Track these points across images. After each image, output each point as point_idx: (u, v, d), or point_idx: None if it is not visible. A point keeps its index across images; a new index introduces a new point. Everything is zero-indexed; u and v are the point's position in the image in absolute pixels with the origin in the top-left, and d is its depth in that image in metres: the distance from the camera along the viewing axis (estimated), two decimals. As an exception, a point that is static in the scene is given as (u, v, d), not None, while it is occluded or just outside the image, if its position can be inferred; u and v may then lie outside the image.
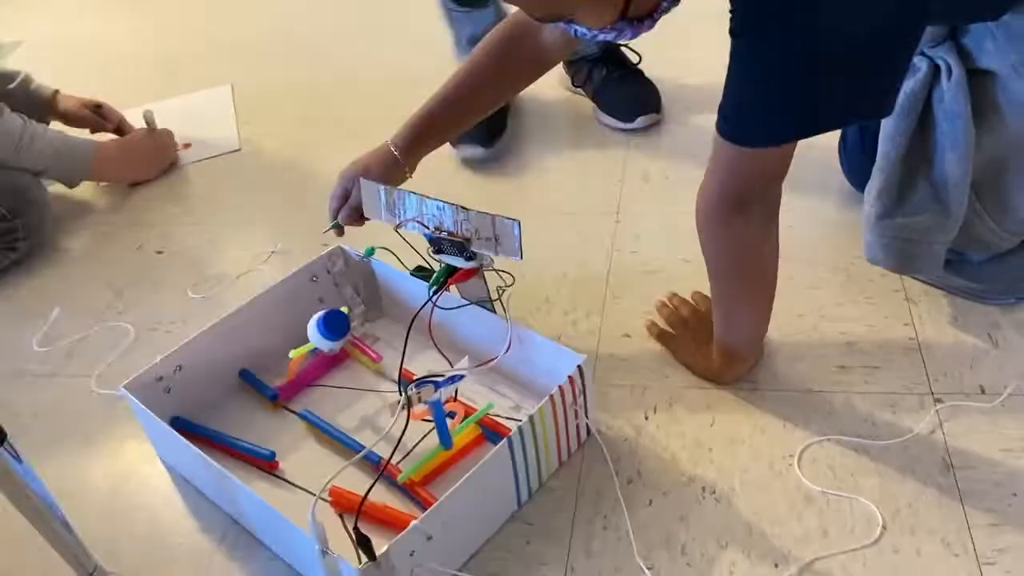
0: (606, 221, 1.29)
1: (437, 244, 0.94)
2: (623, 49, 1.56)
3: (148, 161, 1.56)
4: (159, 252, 1.37)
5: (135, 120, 1.59)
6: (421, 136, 1.06)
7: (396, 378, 1.01)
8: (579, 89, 1.58)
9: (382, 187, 0.99)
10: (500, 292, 0.95)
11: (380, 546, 0.74)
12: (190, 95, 1.84)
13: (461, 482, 0.79)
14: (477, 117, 1.12)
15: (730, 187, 0.84)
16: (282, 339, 1.06)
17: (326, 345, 0.99)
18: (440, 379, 0.83)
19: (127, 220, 1.47)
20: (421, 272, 1.08)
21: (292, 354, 1.02)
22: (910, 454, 0.90)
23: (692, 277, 1.13)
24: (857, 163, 1.19)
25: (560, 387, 0.86)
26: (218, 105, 1.78)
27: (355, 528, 0.72)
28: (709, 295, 1.05)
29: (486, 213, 0.88)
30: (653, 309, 1.11)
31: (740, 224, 0.86)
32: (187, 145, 1.63)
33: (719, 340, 0.97)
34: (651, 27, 0.81)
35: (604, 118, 1.52)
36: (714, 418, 0.97)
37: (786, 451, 0.92)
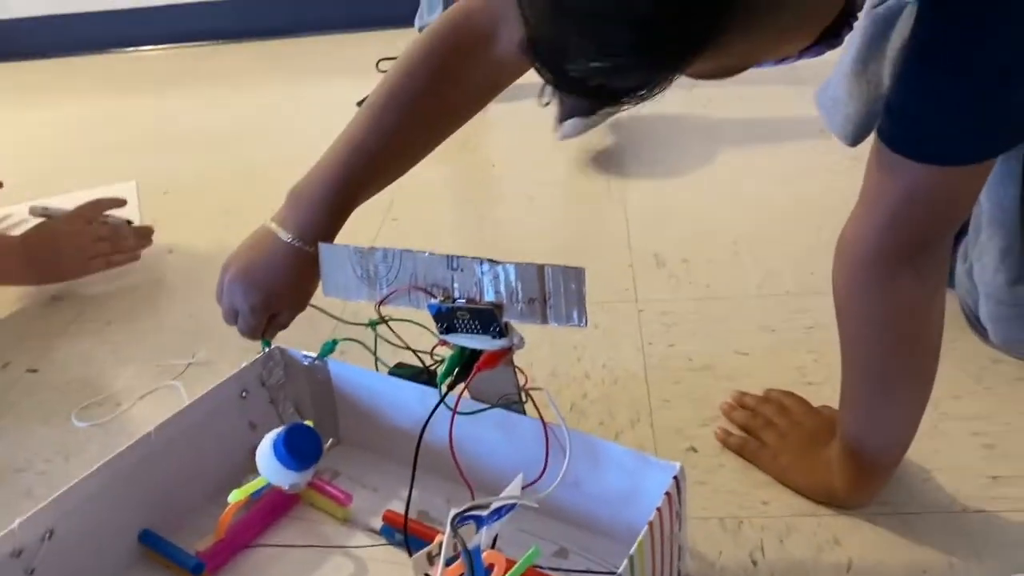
0: (626, 310, 1.03)
1: (447, 319, 0.65)
2: None
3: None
4: (32, 371, 1.04)
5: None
6: (340, 209, 0.75)
7: (376, 526, 0.71)
8: None
9: (352, 248, 0.70)
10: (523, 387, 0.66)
11: None
12: (90, 190, 1.55)
13: None
14: (402, 171, 0.79)
15: (905, 227, 0.61)
16: (200, 483, 0.76)
17: (288, 479, 0.67)
18: (483, 512, 0.52)
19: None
20: (402, 371, 0.78)
21: (233, 496, 0.69)
22: None
23: (755, 373, 0.90)
24: None
25: (658, 509, 0.56)
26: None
27: None
28: (789, 391, 0.83)
29: (530, 264, 0.60)
30: (719, 414, 0.84)
31: (910, 279, 0.63)
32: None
33: (852, 447, 0.70)
34: (848, 33, 0.58)
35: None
36: (850, 559, 0.68)
37: (969, 600, 0.64)
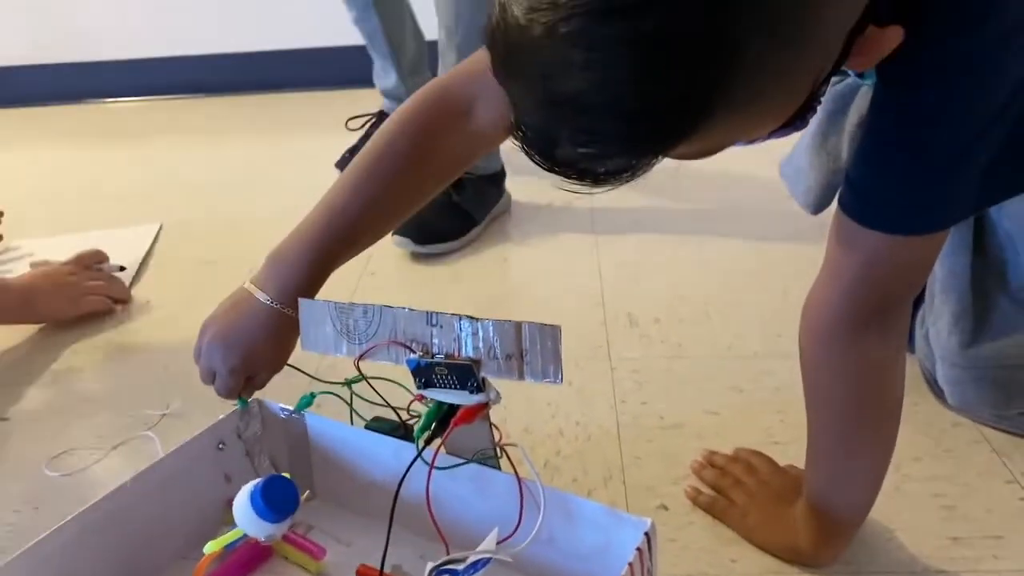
0: (600, 368, 1.04)
1: (425, 374, 0.66)
2: None
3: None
4: (2, 419, 1.03)
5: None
6: (319, 272, 0.76)
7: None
8: None
9: (332, 304, 0.72)
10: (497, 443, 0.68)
11: None
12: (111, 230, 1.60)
13: None
14: (381, 235, 0.82)
15: (867, 292, 0.63)
16: (173, 535, 0.75)
17: (264, 530, 0.67)
18: (459, 567, 0.53)
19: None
20: (379, 424, 0.79)
21: (208, 547, 0.69)
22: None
23: (724, 432, 0.92)
24: None
25: (630, 564, 0.58)
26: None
27: None
28: (757, 450, 0.85)
29: (506, 321, 0.62)
30: (689, 472, 0.85)
31: (875, 342, 0.65)
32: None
33: (817, 506, 0.72)
34: (812, 115, 0.60)
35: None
36: (815, 617, 0.69)
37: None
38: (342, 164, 1.46)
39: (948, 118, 0.57)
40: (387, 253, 1.37)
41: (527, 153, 0.48)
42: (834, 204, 0.66)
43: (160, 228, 1.59)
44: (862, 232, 0.61)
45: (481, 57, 0.72)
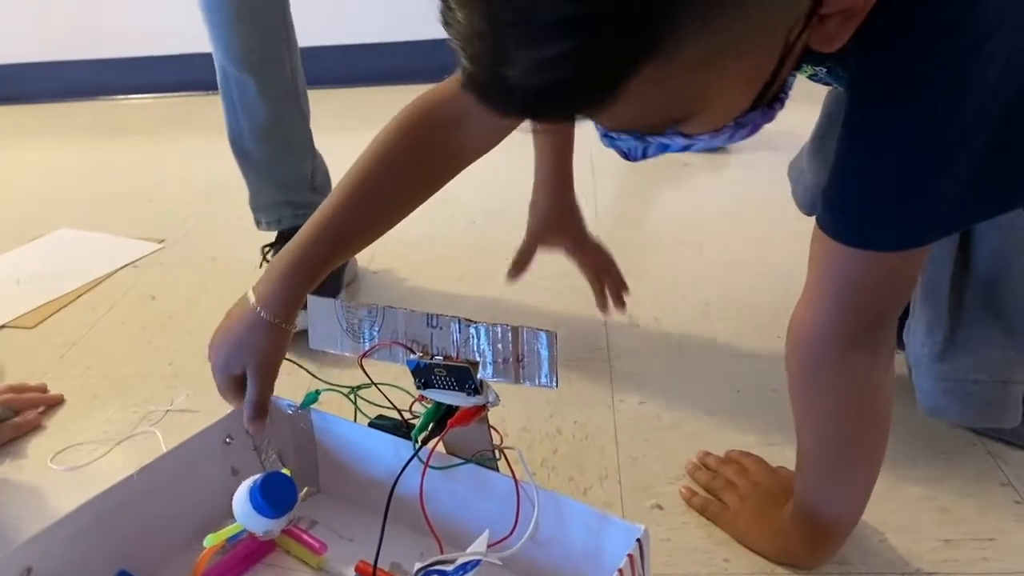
0: (599, 368, 1.05)
1: (424, 375, 0.68)
2: None
3: None
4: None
5: None
6: (302, 283, 0.79)
7: None
8: None
9: (337, 303, 0.73)
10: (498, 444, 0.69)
11: None
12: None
13: None
14: (369, 242, 0.85)
15: (853, 310, 0.63)
16: (179, 527, 0.76)
17: (262, 525, 0.68)
18: (448, 568, 0.54)
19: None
20: (383, 423, 0.80)
21: (208, 541, 0.70)
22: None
23: (721, 430, 0.93)
24: None
25: (620, 570, 0.59)
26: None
27: None
28: (748, 452, 0.87)
29: (505, 325, 0.63)
30: (684, 473, 0.86)
31: (864, 360, 0.65)
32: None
33: (809, 514, 0.73)
34: (780, 109, 0.58)
35: None
36: (806, 616, 0.70)
37: (919, 660, 0.66)
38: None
39: (924, 128, 0.55)
40: (390, 252, 1.38)
41: (479, 96, 0.45)
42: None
43: (162, 244, 1.58)
44: (842, 249, 0.59)
45: None
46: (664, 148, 0.59)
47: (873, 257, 0.59)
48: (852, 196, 0.59)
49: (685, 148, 0.58)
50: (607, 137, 0.58)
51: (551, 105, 0.45)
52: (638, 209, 1.52)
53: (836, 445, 0.70)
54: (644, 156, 0.62)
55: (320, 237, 0.79)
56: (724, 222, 1.48)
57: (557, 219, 1.10)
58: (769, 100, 0.54)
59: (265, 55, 1.19)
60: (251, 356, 0.78)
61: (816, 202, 0.98)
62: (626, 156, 0.67)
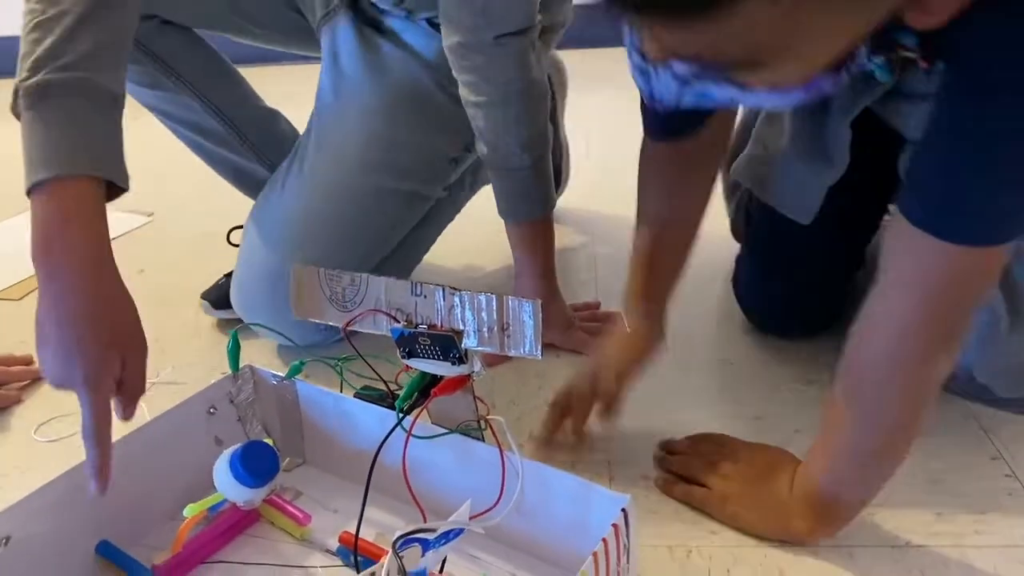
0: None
1: (408, 344, 0.66)
2: None
3: None
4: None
5: None
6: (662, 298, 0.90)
7: (333, 547, 0.72)
8: None
9: (321, 271, 0.72)
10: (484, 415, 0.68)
11: None
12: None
13: None
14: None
15: (944, 307, 0.61)
16: (161, 497, 0.75)
17: (243, 495, 0.67)
18: (430, 536, 0.53)
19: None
20: (368, 393, 0.79)
21: (188, 511, 0.69)
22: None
23: (711, 408, 0.91)
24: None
25: (604, 540, 0.58)
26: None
27: None
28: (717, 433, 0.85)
29: (490, 294, 0.62)
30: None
31: (944, 360, 0.63)
32: None
33: (826, 493, 0.71)
34: (843, 80, 0.57)
35: None
36: (794, 588, 0.69)
37: (906, 632, 0.65)
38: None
39: None
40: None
41: None
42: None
43: (151, 217, 1.57)
44: (939, 245, 0.57)
45: None
46: (702, 98, 0.57)
47: (976, 252, 0.57)
48: (956, 192, 0.57)
49: (729, 103, 0.55)
50: (642, 74, 0.56)
51: None
52: (631, 195, 1.49)
53: (892, 439, 0.68)
54: (675, 103, 0.60)
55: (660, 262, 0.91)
56: (723, 221, 1.46)
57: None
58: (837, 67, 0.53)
59: None
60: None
61: (763, 177, 0.96)
62: (652, 100, 0.65)
